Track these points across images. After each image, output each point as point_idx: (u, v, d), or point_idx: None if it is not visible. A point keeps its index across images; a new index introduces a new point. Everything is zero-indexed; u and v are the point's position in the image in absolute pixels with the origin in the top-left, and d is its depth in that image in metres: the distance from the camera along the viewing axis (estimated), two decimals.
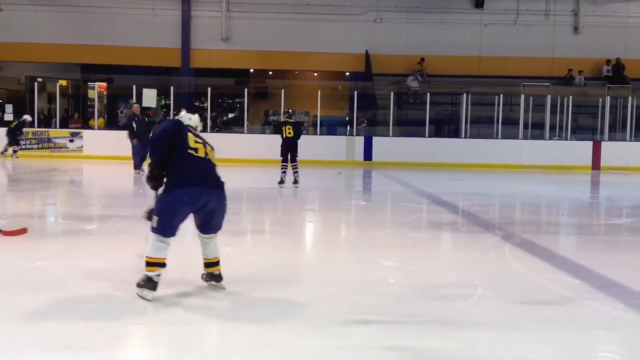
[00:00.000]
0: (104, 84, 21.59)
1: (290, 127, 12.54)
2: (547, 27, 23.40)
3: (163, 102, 23.78)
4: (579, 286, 5.11)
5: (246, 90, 20.63)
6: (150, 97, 19.65)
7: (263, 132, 22.44)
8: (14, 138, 18.99)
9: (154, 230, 4.47)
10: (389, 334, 3.89)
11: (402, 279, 5.30)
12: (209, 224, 4.73)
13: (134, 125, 14.49)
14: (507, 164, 18.95)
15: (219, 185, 4.69)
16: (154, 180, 4.60)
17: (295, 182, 12.58)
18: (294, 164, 12.62)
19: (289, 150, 12.58)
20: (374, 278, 5.27)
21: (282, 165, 12.70)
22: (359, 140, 19.49)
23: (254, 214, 9.59)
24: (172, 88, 20.04)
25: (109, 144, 18.75)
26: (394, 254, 6.37)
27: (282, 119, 15.24)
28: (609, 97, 20.56)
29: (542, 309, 4.51)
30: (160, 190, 4.60)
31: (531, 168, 18.70)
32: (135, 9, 22.63)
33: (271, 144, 19.35)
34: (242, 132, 20.73)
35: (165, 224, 4.45)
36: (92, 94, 22.80)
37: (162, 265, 4.48)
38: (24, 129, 19.35)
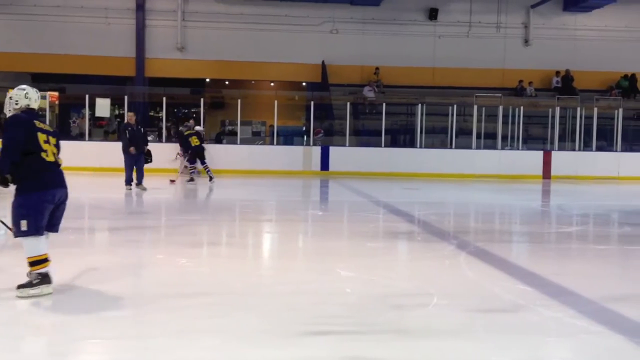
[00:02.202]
0: (56, 94, 21.09)
1: (196, 137, 15.79)
2: (499, 39, 23.95)
3: (117, 111, 23.42)
4: (531, 294, 5.24)
5: (202, 100, 20.47)
6: (103, 107, 19.33)
7: (219, 142, 22.31)
8: None
9: (24, 233, 4.65)
10: (348, 344, 3.92)
11: (359, 288, 5.34)
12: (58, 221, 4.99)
13: (128, 135, 13.36)
14: (461, 173, 19.27)
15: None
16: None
17: (211, 178, 15.75)
18: (204, 165, 15.90)
19: (198, 155, 15.78)
20: (332, 288, 5.30)
21: (191, 167, 15.97)
22: (316, 150, 19.57)
23: (210, 225, 9.52)
24: (126, 98, 19.75)
25: (61, 155, 18.33)
26: (352, 263, 6.41)
27: (201, 128, 17.63)
28: (558, 108, 21.13)
29: (496, 316, 4.60)
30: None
31: (484, 177, 19.06)
32: (88, 17, 22.28)
33: (228, 154, 19.37)
34: None
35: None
36: (44, 103, 22.24)
37: (47, 260, 4.71)
38: None
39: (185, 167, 16.45)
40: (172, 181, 15.34)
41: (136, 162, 13.29)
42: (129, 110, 19.96)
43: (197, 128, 16.59)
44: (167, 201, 11.51)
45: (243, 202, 12.99)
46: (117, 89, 21.33)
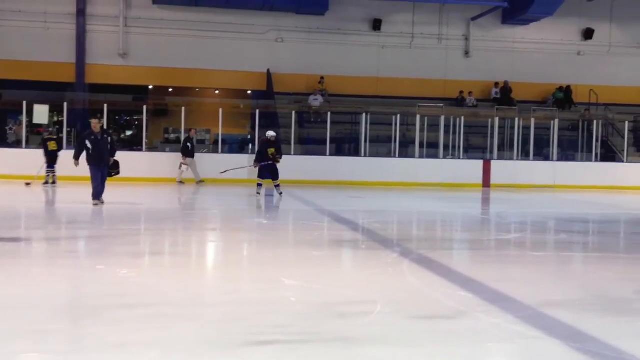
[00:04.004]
0: None
1: (54, 142, 16.49)
2: (440, 50, 24.46)
3: (56, 118, 22.82)
4: (472, 300, 5.35)
5: (145, 107, 20.15)
6: (41, 114, 18.82)
7: (163, 150, 22.00)
8: None
9: None
10: (292, 353, 3.91)
11: (303, 297, 5.34)
12: None
13: (89, 145, 11.66)
14: (405, 181, 19.54)
15: None
16: None
17: (47, 182, 16.23)
18: (52, 169, 16.33)
19: (52, 159, 16.32)
20: (275, 297, 5.28)
21: (48, 170, 16.31)
22: None
23: (153, 234, 9.36)
24: (65, 104, 19.26)
25: None
26: (296, 272, 6.41)
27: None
28: (497, 118, 21.70)
29: (438, 323, 4.68)
30: None
31: (427, 186, 19.37)
32: (27, 22, 21.68)
33: (172, 162, 19.10)
34: (141, 150, 20.21)
35: None
36: None
37: None
38: None
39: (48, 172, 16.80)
40: (28, 184, 15.89)
41: (100, 173, 11.84)
42: (68, 119, 19.51)
43: (270, 133, 15.08)
44: (107, 210, 11.26)
45: (187, 211, 12.84)
46: (56, 95, 20.78)
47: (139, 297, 5.14)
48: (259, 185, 14.94)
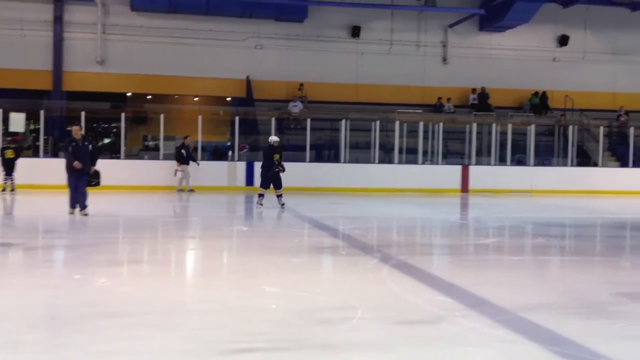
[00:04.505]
0: None
1: (11, 151, 16.57)
2: (419, 57, 24.62)
3: (32, 126, 22.57)
4: (451, 305, 5.39)
5: (123, 114, 20.00)
6: (17, 122, 18.62)
7: (141, 158, 21.84)
8: None
9: None
10: None
11: (284, 304, 5.34)
12: None
13: (71, 151, 11.36)
14: (384, 187, 19.61)
15: None
16: None
17: (3, 190, 16.36)
18: (9, 177, 16.39)
19: (10, 168, 16.37)
20: (256, 305, 5.28)
21: (5, 178, 16.39)
22: (241, 166, 19.45)
23: (132, 242, 9.29)
24: (42, 112, 19.04)
25: None
26: (276, 279, 6.41)
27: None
28: (475, 124, 21.87)
29: (418, 328, 4.71)
30: None
31: (406, 191, 19.46)
32: (3, 29, 21.43)
33: (150, 169, 18.99)
34: (119, 158, 20.07)
35: None
36: None
37: None
38: None
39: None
40: None
41: (78, 182, 11.41)
42: (45, 127, 19.29)
43: (273, 139, 14.40)
44: (84, 219, 11.15)
45: (166, 218, 12.77)
46: (33, 103, 20.56)
47: (117, 307, 5.10)
48: (261, 195, 14.05)
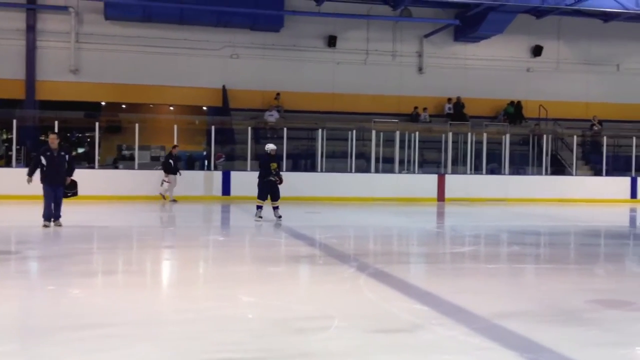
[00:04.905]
0: None
1: None
2: (395, 67, 24.80)
3: (5, 136, 22.25)
4: (427, 313, 5.41)
5: (97, 124, 19.81)
6: None
7: (116, 167, 21.65)
8: None
9: None
10: None
11: (261, 314, 5.31)
12: None
13: (44, 161, 11.04)
14: (361, 196, 19.65)
15: None
16: None
17: None
18: None
19: None
20: (233, 314, 5.25)
21: None
22: (217, 175, 19.36)
23: (107, 253, 9.18)
24: (14, 121, 18.80)
25: None
26: (253, 289, 6.38)
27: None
28: (451, 133, 22.05)
29: (394, 336, 4.71)
30: None
31: (383, 200, 19.53)
32: None
33: (125, 179, 18.81)
34: (93, 168, 19.86)
35: None
36: None
37: None
38: None
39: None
40: None
41: (54, 193, 11.13)
42: (17, 136, 19.03)
43: (271, 147, 13.57)
44: (58, 230, 11.00)
45: (141, 228, 12.65)
46: (5, 113, 20.27)
47: (92, 318, 5.03)
48: (259, 207, 13.15)
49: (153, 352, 4.19)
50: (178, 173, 18.16)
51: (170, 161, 18.05)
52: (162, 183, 17.94)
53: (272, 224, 12.67)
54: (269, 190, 13.07)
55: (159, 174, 18.33)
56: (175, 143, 18.75)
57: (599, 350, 4.43)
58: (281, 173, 13.39)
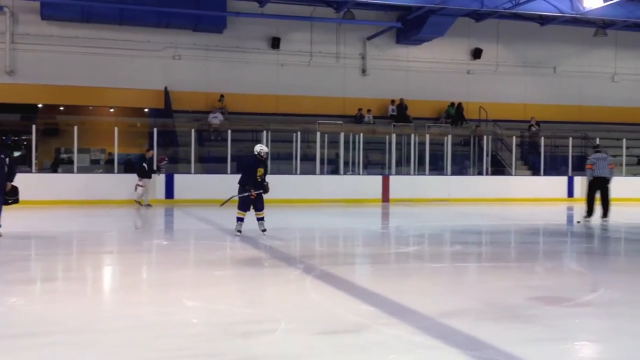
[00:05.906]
0: None
1: None
2: (338, 68, 24.94)
3: None
4: (373, 313, 5.43)
5: (34, 126, 19.18)
6: None
7: (54, 171, 21.03)
8: None
9: None
10: None
11: (206, 318, 5.23)
12: None
13: None
14: (307, 198, 19.66)
15: None
16: None
17: None
18: None
19: None
20: (177, 319, 5.15)
21: None
22: (160, 178, 19.03)
23: (45, 260, 8.89)
24: None
25: None
26: (198, 293, 6.28)
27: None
28: (394, 135, 22.30)
29: (340, 337, 4.71)
30: None
31: (328, 202, 19.59)
32: None
33: (64, 183, 18.28)
34: (30, 172, 19.21)
35: None
36: None
37: None
38: None
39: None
40: None
41: None
42: None
43: (263, 149, 11.67)
44: None
45: (81, 234, 12.31)
46: None
47: (30, 326, 4.85)
48: (240, 220, 11.16)
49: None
50: (158, 174, 18.11)
51: (144, 165, 17.73)
52: (136, 188, 17.61)
53: (214, 227, 12.51)
54: (251, 200, 11.20)
55: (101, 177, 17.91)
56: (148, 147, 18.55)
57: (540, 346, 4.53)
58: (260, 181, 11.33)
